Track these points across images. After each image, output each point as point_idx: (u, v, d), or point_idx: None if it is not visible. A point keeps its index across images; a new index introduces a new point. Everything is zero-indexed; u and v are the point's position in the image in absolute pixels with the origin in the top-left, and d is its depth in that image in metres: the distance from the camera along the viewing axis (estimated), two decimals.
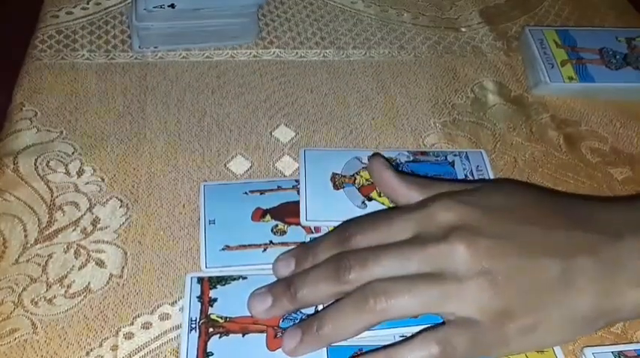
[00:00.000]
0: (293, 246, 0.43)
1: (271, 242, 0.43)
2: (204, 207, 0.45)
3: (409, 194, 0.42)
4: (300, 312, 0.39)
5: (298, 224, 0.45)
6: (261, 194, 0.47)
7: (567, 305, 0.37)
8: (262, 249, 0.43)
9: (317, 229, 0.44)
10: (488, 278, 0.36)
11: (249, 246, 0.43)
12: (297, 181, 0.47)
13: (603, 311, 0.37)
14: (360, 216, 0.43)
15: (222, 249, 0.43)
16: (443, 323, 0.37)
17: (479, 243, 0.37)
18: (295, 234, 0.44)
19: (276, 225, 0.45)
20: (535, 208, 0.40)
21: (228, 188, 0.47)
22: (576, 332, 0.38)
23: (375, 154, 0.47)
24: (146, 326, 0.40)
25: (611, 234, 0.38)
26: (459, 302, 0.36)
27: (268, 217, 0.45)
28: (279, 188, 0.47)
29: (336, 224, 0.42)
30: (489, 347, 0.37)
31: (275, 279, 0.41)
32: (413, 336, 0.36)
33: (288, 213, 0.45)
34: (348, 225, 0.41)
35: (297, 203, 0.45)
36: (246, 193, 0.46)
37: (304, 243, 0.43)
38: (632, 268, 0.37)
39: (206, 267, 0.42)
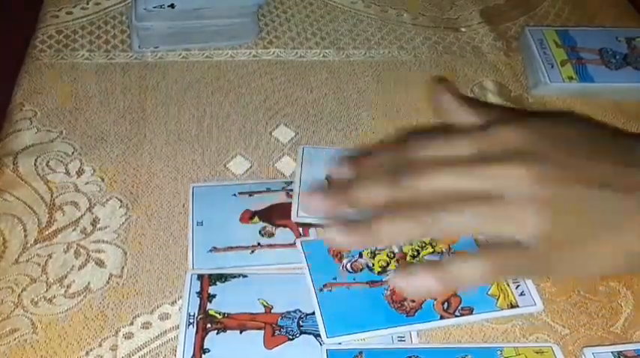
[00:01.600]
0: (281, 249, 0.43)
1: (259, 244, 0.43)
2: (192, 208, 0.45)
3: (470, 118, 0.42)
4: (298, 310, 0.39)
5: (287, 226, 0.44)
6: (250, 196, 0.46)
7: (619, 238, 0.37)
8: (250, 251, 0.43)
9: (305, 231, 0.44)
10: (546, 205, 0.36)
11: (237, 247, 0.43)
12: (287, 183, 0.47)
13: None
14: (418, 132, 0.44)
15: (210, 251, 0.43)
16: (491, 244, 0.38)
17: (542, 169, 0.37)
18: (283, 236, 0.44)
19: (264, 227, 0.44)
20: (599, 144, 0.40)
21: (217, 190, 0.47)
22: (623, 267, 0.38)
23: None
24: (146, 326, 0.40)
25: None
26: (514, 225, 0.36)
27: (256, 219, 0.45)
28: (269, 190, 0.47)
29: (327, 222, 0.41)
30: (536, 271, 0.38)
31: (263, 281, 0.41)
32: (468, 255, 0.38)
33: (276, 215, 0.45)
34: (408, 138, 0.41)
35: (286, 205, 0.45)
36: (235, 195, 0.46)
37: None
38: None
39: (193, 268, 0.42)
